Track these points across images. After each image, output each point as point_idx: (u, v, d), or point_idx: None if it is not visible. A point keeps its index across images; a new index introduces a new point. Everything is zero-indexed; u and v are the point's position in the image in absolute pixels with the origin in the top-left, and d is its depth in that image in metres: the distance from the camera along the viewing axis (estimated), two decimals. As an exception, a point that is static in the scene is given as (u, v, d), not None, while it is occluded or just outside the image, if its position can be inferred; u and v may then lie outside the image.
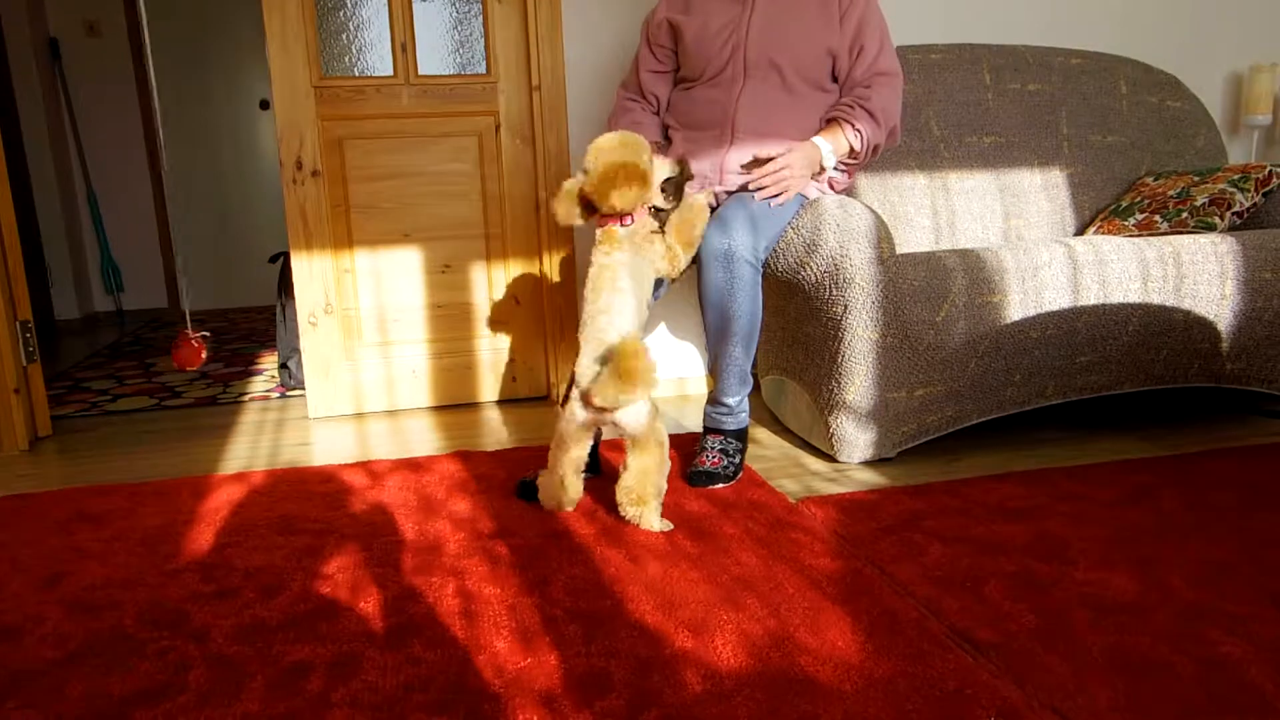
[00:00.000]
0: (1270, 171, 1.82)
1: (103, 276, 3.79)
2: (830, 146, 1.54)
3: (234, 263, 4.03)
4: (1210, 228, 1.77)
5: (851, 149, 1.56)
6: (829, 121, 1.57)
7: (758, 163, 1.53)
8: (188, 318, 2.09)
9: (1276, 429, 1.77)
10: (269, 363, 2.71)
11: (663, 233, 1.41)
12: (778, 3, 1.58)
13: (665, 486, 1.32)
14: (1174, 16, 2.33)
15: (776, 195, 1.52)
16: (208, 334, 2.11)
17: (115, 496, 1.53)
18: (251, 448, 1.85)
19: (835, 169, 1.62)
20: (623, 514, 1.31)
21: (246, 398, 2.28)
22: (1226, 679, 0.91)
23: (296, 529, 1.36)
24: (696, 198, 1.45)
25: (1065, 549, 1.22)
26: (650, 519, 1.30)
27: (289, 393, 2.31)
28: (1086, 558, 1.19)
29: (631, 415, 1.28)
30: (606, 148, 1.34)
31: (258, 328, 3.43)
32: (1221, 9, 2.36)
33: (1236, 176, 1.83)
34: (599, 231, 1.39)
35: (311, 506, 1.45)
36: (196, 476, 1.63)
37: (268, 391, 2.34)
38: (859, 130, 1.54)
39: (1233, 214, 1.78)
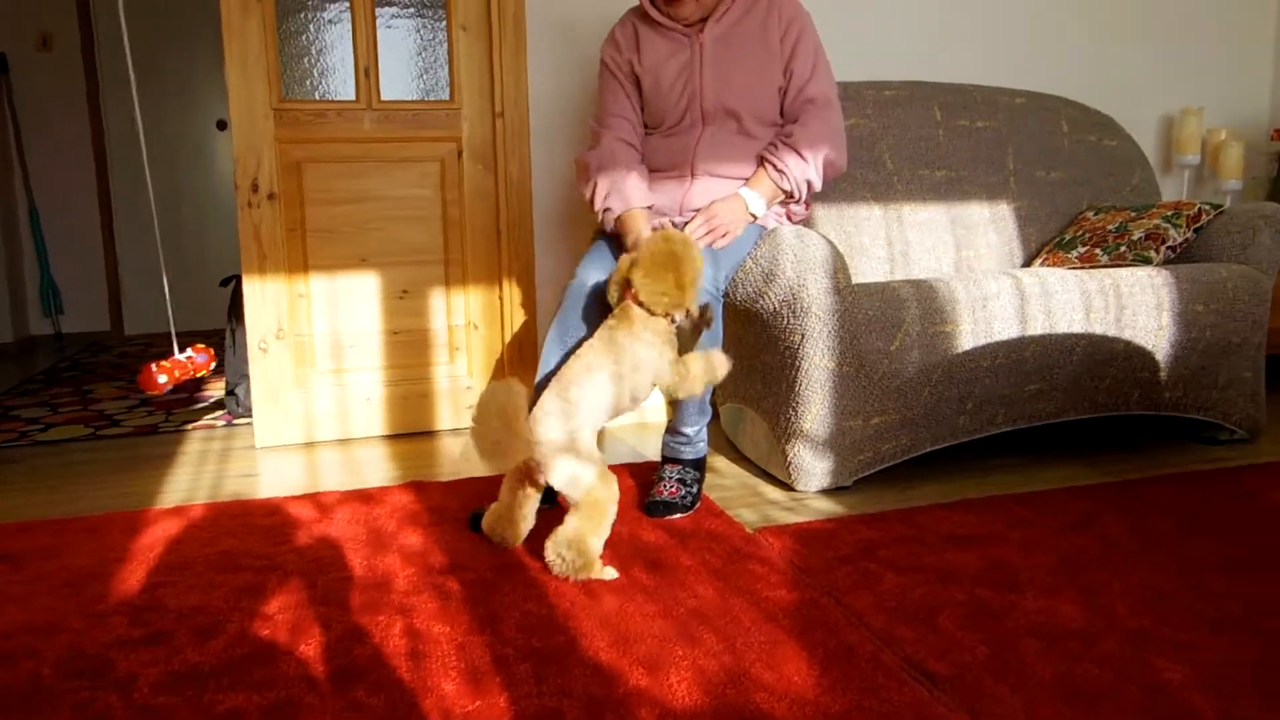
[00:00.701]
0: (1200, 209, 1.92)
1: (41, 298, 3.63)
2: (755, 194, 1.56)
3: (182, 285, 3.90)
4: (1146, 261, 1.85)
5: (784, 190, 1.57)
6: (760, 163, 1.58)
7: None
8: (174, 340, 1.97)
9: (1212, 455, 1.84)
10: (216, 389, 2.62)
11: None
12: (725, 46, 1.60)
13: (601, 546, 1.24)
14: (1108, 63, 2.47)
15: (722, 235, 1.53)
16: (194, 355, 1.81)
17: (39, 534, 1.44)
18: (193, 479, 1.78)
19: (794, 204, 1.65)
20: (555, 573, 1.23)
21: (190, 426, 2.19)
22: (1170, 704, 0.92)
23: (237, 566, 1.30)
24: (723, 358, 1.37)
25: (1015, 576, 1.24)
26: (595, 576, 1.23)
27: (236, 421, 2.23)
28: (1035, 585, 1.21)
29: (576, 488, 1.23)
30: (679, 240, 1.32)
31: (207, 352, 3.31)
32: (1153, 56, 2.51)
33: (1170, 213, 1.92)
34: (618, 307, 1.34)
35: (254, 541, 1.39)
36: (131, 511, 1.55)
37: (213, 420, 2.26)
38: (782, 171, 1.55)
39: (1167, 248, 1.87)
